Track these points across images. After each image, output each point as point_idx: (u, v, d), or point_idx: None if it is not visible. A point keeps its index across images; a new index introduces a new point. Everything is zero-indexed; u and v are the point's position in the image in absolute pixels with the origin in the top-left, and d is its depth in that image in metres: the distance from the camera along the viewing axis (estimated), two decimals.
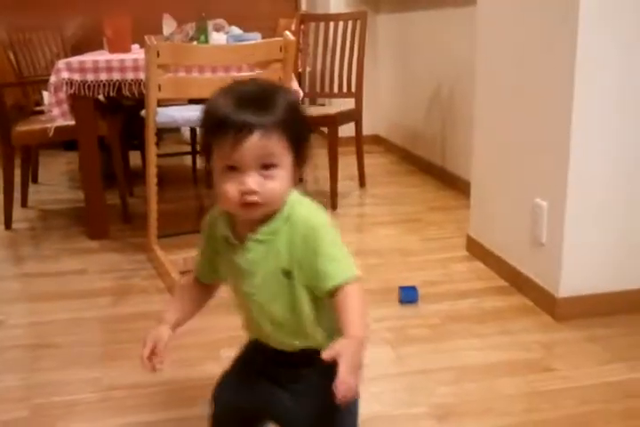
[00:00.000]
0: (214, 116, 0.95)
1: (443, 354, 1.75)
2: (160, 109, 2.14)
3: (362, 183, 3.46)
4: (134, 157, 3.48)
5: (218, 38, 2.97)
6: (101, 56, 2.65)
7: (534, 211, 2.01)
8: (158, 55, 2.03)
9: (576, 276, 1.91)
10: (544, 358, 1.72)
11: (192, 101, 2.77)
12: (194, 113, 2.27)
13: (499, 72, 2.23)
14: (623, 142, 1.86)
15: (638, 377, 1.62)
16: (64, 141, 4.00)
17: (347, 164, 3.48)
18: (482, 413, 1.50)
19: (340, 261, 0.98)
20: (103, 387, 1.65)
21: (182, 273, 2.21)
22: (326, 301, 1.00)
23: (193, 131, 3.64)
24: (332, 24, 3.47)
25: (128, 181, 3.21)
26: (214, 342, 1.84)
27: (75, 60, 2.53)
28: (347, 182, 3.42)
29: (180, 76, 2.21)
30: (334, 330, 1.00)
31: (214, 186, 0.99)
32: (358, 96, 3.37)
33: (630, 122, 1.85)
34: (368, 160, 3.59)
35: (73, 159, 3.99)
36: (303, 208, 1.01)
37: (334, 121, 3.12)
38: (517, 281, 2.13)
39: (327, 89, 3.47)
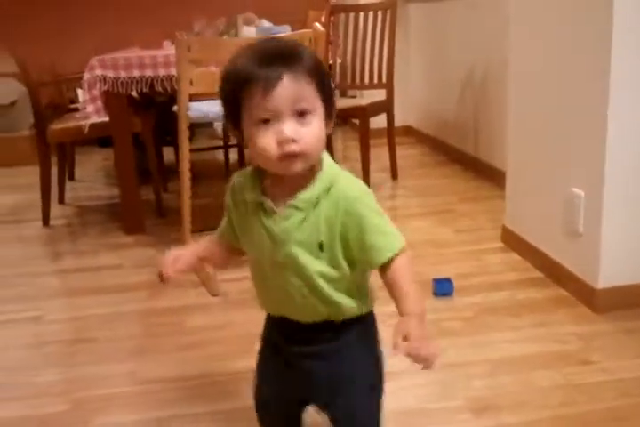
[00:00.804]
0: (239, 73, 0.93)
1: (477, 347, 1.73)
2: (192, 104, 2.15)
3: (394, 175, 3.44)
4: (168, 153, 3.51)
5: (248, 32, 2.97)
6: (133, 53, 2.67)
7: (571, 200, 1.97)
8: (189, 50, 2.05)
9: (615, 266, 1.87)
10: (581, 350, 1.69)
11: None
12: None
13: (532, 59, 2.19)
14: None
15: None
16: (99, 138, 4.06)
17: (378, 156, 3.47)
18: (518, 406, 1.48)
19: (388, 233, 0.97)
20: (139, 380, 1.67)
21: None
22: (371, 273, 1.02)
23: (225, 125, 3.67)
24: (361, 15, 3.44)
25: (162, 176, 3.25)
26: (248, 336, 1.84)
27: (108, 57, 2.56)
28: (379, 174, 3.40)
29: (211, 71, 2.21)
30: (364, 294, 1.05)
31: (248, 146, 0.97)
32: (389, 87, 3.35)
33: None
34: (400, 152, 3.57)
35: (108, 156, 4.04)
36: (343, 180, 0.98)
37: (365, 112, 3.10)
38: (554, 272, 2.09)
39: (358, 80, 3.45)
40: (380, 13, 3.37)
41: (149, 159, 2.98)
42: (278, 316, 1.08)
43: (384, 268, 0.97)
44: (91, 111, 2.62)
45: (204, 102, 2.33)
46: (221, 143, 3.88)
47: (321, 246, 0.97)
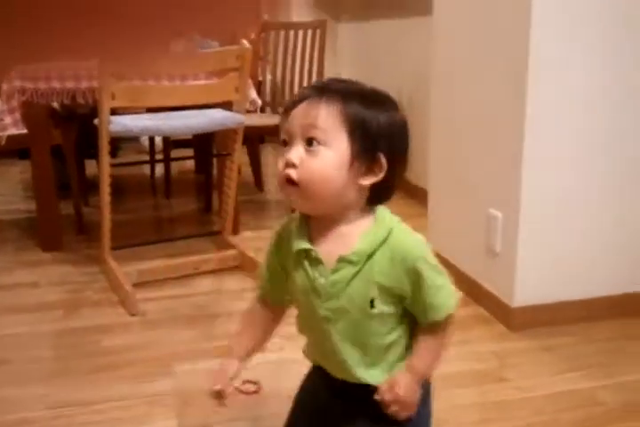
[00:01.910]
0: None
1: None
2: (114, 118, 2.10)
3: None
4: (92, 166, 3.42)
5: (174, 45, 2.94)
6: (55, 63, 2.60)
7: (489, 221, 2.02)
8: (112, 63, 2.00)
9: (530, 285, 1.93)
10: (498, 368, 1.73)
11: (151, 110, 2.74)
12: (150, 122, 2.25)
13: (453, 82, 2.24)
14: (576, 155, 1.88)
15: (590, 386, 1.63)
16: (19, 150, 3.92)
17: None
18: (435, 424, 1.48)
19: (447, 291, 0.92)
20: (52, 404, 1.60)
21: (135, 285, 2.17)
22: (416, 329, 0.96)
23: (152, 140, 3.60)
24: (292, 33, 3.46)
25: (83, 190, 3.15)
26: (166, 358, 1.80)
27: (28, 67, 2.48)
28: None
29: (134, 85, 2.17)
30: (397, 363, 0.96)
31: None
32: None
33: (582, 135, 1.87)
34: None
35: (27, 168, 3.90)
36: (401, 234, 0.91)
37: None
38: (473, 291, 2.13)
39: (288, 98, 3.46)
40: (309, 32, 3.40)
41: (69, 172, 2.90)
42: (323, 368, 1.03)
43: (428, 327, 0.93)
44: (8, 123, 2.53)
45: (127, 116, 2.28)
46: (148, 158, 3.80)
47: (372, 303, 0.90)
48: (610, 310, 1.97)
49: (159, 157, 3.64)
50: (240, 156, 2.51)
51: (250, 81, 2.46)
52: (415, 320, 0.95)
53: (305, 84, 3.39)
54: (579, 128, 1.86)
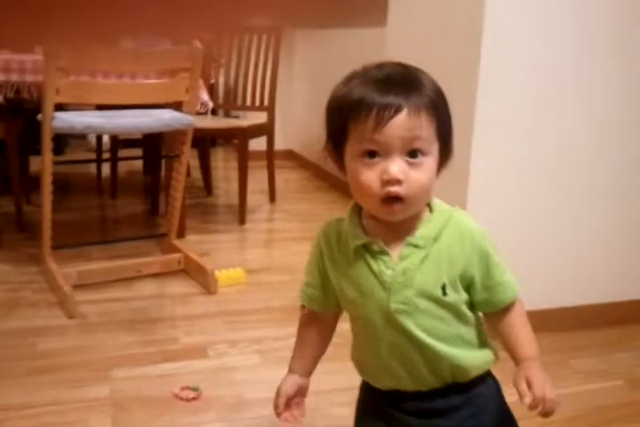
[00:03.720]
0: (351, 96, 0.83)
1: (342, 374, 1.71)
2: (58, 114, 2.04)
3: (272, 198, 3.43)
4: (38, 163, 3.32)
5: (125, 43, 2.88)
6: (1, 55, 2.51)
7: None
8: (58, 57, 1.94)
9: None
10: None
11: (101, 108, 2.67)
12: (94, 119, 2.19)
13: None
14: (521, 163, 1.91)
15: None
16: None
17: (258, 178, 3.45)
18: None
19: (509, 273, 0.92)
20: None
21: (75, 287, 2.10)
22: (488, 316, 0.94)
23: (99, 138, 3.52)
24: (246, 36, 3.44)
25: (25, 187, 3.05)
26: (104, 362, 1.75)
27: None
28: (257, 196, 3.38)
29: (81, 81, 2.11)
30: (485, 342, 0.94)
31: (348, 179, 0.85)
32: (270, 110, 3.35)
33: (528, 145, 1.90)
34: (280, 175, 3.57)
35: None
36: (461, 214, 0.91)
37: (245, 134, 3.08)
38: None
39: (240, 101, 3.43)
40: (264, 36, 3.38)
41: (11, 168, 2.80)
42: (389, 389, 0.95)
43: (507, 309, 0.91)
44: None
45: (72, 113, 2.21)
46: (94, 156, 3.72)
47: (444, 289, 0.87)
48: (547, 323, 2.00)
49: (107, 156, 3.56)
50: (189, 158, 2.47)
51: (201, 82, 2.42)
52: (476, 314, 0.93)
53: (258, 88, 3.36)
54: (526, 139, 1.89)
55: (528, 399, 0.83)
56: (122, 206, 3.37)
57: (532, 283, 1.94)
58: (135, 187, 3.68)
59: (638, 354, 1.89)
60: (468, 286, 0.89)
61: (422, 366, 0.90)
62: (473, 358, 0.91)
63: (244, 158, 3.06)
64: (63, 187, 2.41)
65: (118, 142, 3.39)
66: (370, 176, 0.81)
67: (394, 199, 0.81)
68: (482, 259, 0.89)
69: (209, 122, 3.08)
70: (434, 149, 0.83)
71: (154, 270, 2.34)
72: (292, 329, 1.95)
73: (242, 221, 3.02)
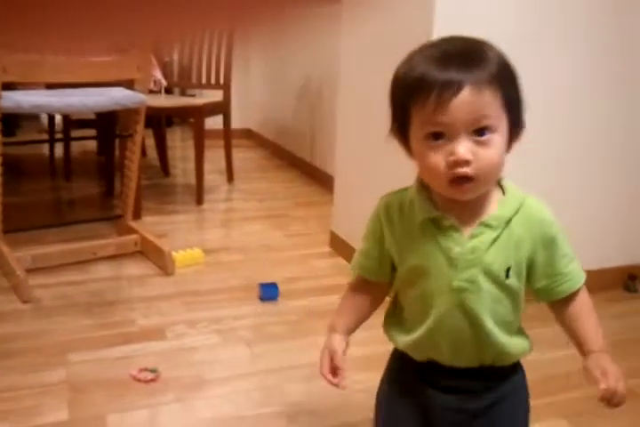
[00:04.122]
0: (412, 74, 0.80)
1: (299, 351, 1.74)
2: (4, 93, 1.98)
3: (230, 178, 3.40)
4: None
5: None
6: None
7: None
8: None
9: None
10: None
11: (52, 87, 2.59)
12: (43, 98, 2.13)
13: (361, 70, 2.25)
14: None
15: None
16: None
17: (216, 157, 3.41)
18: (335, 409, 1.50)
19: (576, 262, 0.91)
20: None
21: (29, 271, 2.06)
22: (552, 306, 0.93)
23: (51, 118, 3.43)
24: None
25: None
26: (60, 346, 1.72)
27: None
28: (214, 176, 3.35)
29: (28, 58, 2.05)
30: (523, 331, 0.95)
31: (416, 160, 0.84)
32: (227, 88, 3.31)
33: None
34: (238, 154, 3.54)
35: None
36: (533, 201, 0.89)
37: (200, 112, 3.04)
38: None
39: (195, 80, 3.38)
40: None
41: None
42: (425, 360, 0.95)
43: (569, 298, 0.91)
44: None
45: (19, 92, 2.15)
46: (47, 137, 3.63)
47: (508, 272, 0.87)
48: None
49: (60, 136, 3.48)
50: (143, 137, 2.43)
51: (153, 60, 2.38)
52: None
53: (213, 66, 3.32)
54: None
55: (604, 386, 0.85)
56: (76, 188, 3.31)
57: None
58: (89, 168, 3.61)
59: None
60: (529, 273, 0.89)
61: (469, 344, 0.90)
62: (516, 346, 0.92)
63: (199, 137, 3.03)
64: (14, 169, 2.35)
65: (71, 122, 3.32)
66: (437, 159, 0.80)
67: (463, 179, 0.80)
68: (548, 247, 0.88)
69: (163, 100, 3.03)
70: (502, 124, 0.81)
71: (110, 253, 2.31)
72: (246, 308, 1.98)
73: (199, 201, 2.99)
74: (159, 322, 1.86)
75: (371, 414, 1.47)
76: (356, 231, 2.34)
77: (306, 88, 3.64)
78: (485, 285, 0.86)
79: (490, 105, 0.78)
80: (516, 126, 0.83)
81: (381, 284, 0.99)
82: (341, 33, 2.35)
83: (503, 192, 0.89)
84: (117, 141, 2.82)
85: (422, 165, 0.83)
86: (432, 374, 0.95)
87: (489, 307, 0.87)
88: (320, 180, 3.36)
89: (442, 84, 0.76)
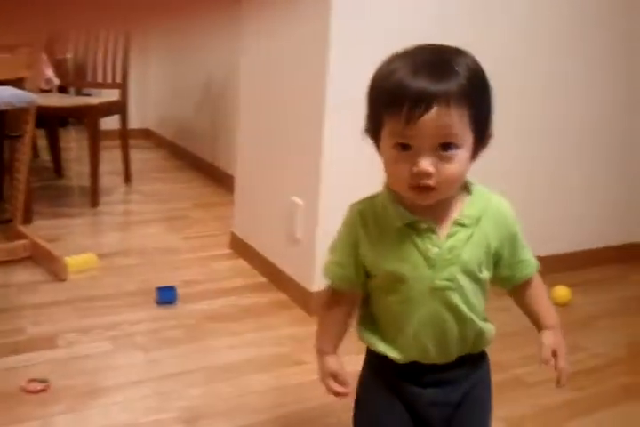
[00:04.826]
0: (387, 84, 0.84)
1: (196, 355, 1.73)
2: None
3: (127, 179, 3.31)
4: None
5: None
6: None
7: (291, 208, 2.06)
8: None
9: None
10: (295, 352, 1.77)
11: None
12: None
13: (261, 72, 2.25)
14: (372, 143, 1.97)
15: None
16: None
17: (113, 158, 3.32)
18: (231, 412, 1.50)
19: (529, 249, 0.99)
20: None
21: None
22: (511, 291, 1.01)
23: None
24: None
25: None
26: None
27: None
28: (111, 177, 3.26)
29: None
30: (487, 321, 1.00)
31: (383, 162, 0.89)
32: (123, 87, 3.22)
33: None
34: (136, 155, 3.46)
35: None
36: (495, 197, 0.95)
37: (95, 112, 2.94)
38: (276, 277, 2.17)
39: (91, 78, 3.27)
40: None
41: None
42: (407, 362, 0.97)
43: (528, 282, 0.99)
44: None
45: None
46: None
47: (480, 266, 0.93)
48: None
49: None
50: (34, 138, 2.34)
51: (45, 57, 2.29)
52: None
53: (109, 65, 3.22)
54: None
55: (551, 365, 0.96)
56: None
57: None
58: None
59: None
60: (495, 264, 0.96)
61: (454, 339, 0.95)
62: (489, 331, 0.99)
63: (94, 137, 2.93)
64: None
65: None
66: (402, 168, 0.84)
67: (426, 188, 0.84)
68: (511, 240, 0.95)
69: (55, 100, 2.92)
70: (467, 139, 0.85)
71: None
72: (142, 313, 1.94)
73: (94, 203, 2.90)
74: (50, 330, 1.80)
75: (267, 415, 1.49)
76: (256, 232, 2.36)
77: (207, 87, 3.60)
78: (464, 281, 0.92)
79: (457, 123, 0.83)
80: (482, 138, 0.88)
81: (355, 294, 1.01)
82: (242, 33, 2.35)
83: (469, 192, 0.94)
84: (6, 142, 2.69)
85: (388, 170, 0.88)
86: (415, 371, 0.98)
87: (468, 300, 0.93)
88: (221, 180, 3.34)
89: (413, 101, 0.80)
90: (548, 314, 1.01)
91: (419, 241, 0.91)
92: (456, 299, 0.92)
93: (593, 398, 1.63)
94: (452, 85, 0.81)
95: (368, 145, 1.96)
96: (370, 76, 1.87)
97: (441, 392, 0.98)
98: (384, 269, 0.93)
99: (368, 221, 0.94)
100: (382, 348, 0.98)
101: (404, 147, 0.84)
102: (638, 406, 1.62)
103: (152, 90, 4.31)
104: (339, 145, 1.91)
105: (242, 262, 2.36)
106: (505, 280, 0.99)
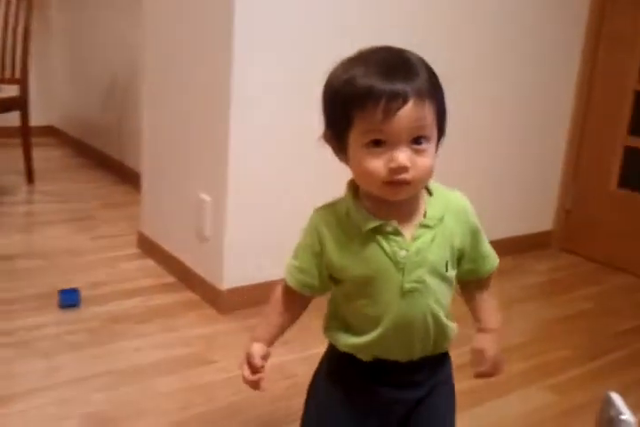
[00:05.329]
0: (356, 86, 0.83)
1: (100, 359, 1.67)
2: None
3: (29, 179, 3.17)
4: None
5: None
6: None
7: (199, 206, 2.03)
8: None
9: (238, 268, 1.98)
10: (204, 351, 1.74)
11: None
12: None
13: (164, 68, 2.20)
14: (282, 140, 1.96)
15: (292, 358, 1.71)
16: None
17: (14, 157, 3.19)
18: (137, 416, 1.46)
19: (490, 247, 1.01)
20: None
21: None
22: (467, 285, 1.02)
23: None
24: None
25: None
26: None
27: None
28: (12, 177, 3.12)
29: None
30: (451, 319, 0.99)
31: (351, 165, 0.88)
32: (23, 83, 3.09)
33: (286, 120, 1.95)
34: (39, 153, 3.33)
35: None
36: (452, 193, 0.97)
37: None
38: (185, 277, 2.13)
39: None
40: (13, 2, 3.09)
41: None
42: (371, 359, 0.97)
43: (483, 279, 1.01)
44: None
45: None
46: None
47: (446, 265, 0.94)
48: None
49: None
50: None
51: None
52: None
53: (8, 60, 3.08)
54: (282, 115, 1.94)
55: (480, 369, 1.00)
56: None
57: None
58: None
59: None
60: (459, 260, 0.97)
61: (420, 338, 0.95)
62: (452, 329, 0.99)
63: None
64: None
65: None
66: (376, 164, 0.84)
67: (401, 183, 0.85)
68: (473, 235, 0.97)
69: None
70: (434, 133, 0.88)
71: None
72: (44, 318, 1.87)
73: None
74: None
75: (175, 417, 1.46)
76: (164, 231, 2.30)
77: (113, 83, 3.50)
78: (431, 281, 0.92)
79: (428, 116, 0.85)
80: (440, 134, 0.91)
81: (312, 297, 1.01)
82: (144, 27, 2.29)
83: (430, 192, 0.95)
84: None
85: (360, 169, 0.87)
86: (379, 371, 0.98)
87: (438, 299, 0.94)
88: (129, 179, 3.24)
89: (389, 96, 0.81)
90: (493, 316, 1.03)
91: (386, 245, 0.91)
92: (426, 299, 0.93)
93: (494, 385, 1.69)
94: (420, 81, 0.84)
95: (274, 140, 1.97)
96: (277, 66, 1.86)
97: (404, 392, 0.99)
98: (353, 275, 0.93)
99: (333, 226, 0.94)
100: (345, 344, 0.98)
101: (378, 143, 0.84)
102: (533, 390, 1.69)
103: (56, 86, 4.16)
104: (245, 140, 1.90)
105: (150, 262, 2.31)
106: (467, 274, 1.00)
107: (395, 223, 0.90)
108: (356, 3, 1.99)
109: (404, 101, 0.82)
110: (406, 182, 0.85)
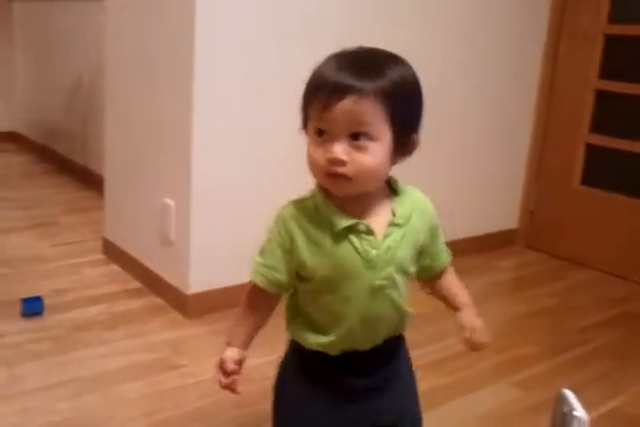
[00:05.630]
0: (314, 75, 0.89)
1: (63, 367, 1.65)
2: None
3: None
4: None
5: None
6: None
7: (163, 210, 2.01)
8: None
9: (204, 272, 1.97)
10: (170, 356, 1.73)
11: None
12: None
13: (127, 70, 2.18)
14: (246, 143, 1.95)
15: (255, 364, 1.70)
16: None
17: None
18: (103, 424, 1.44)
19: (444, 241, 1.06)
20: None
21: None
22: (428, 278, 1.07)
23: None
24: None
25: None
26: None
27: None
28: None
29: None
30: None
31: (307, 154, 0.91)
32: None
33: (249, 124, 1.94)
34: (1, 159, 3.28)
35: None
36: (418, 193, 1.00)
37: None
38: (151, 282, 2.11)
39: None
40: None
41: None
42: (339, 353, 0.98)
43: (444, 270, 1.05)
44: None
45: None
46: None
47: (411, 261, 0.97)
48: None
49: None
50: None
51: None
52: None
53: None
54: (248, 119, 1.93)
55: (480, 340, 1.03)
56: None
57: None
58: None
59: None
60: (418, 255, 1.00)
61: (385, 326, 0.99)
62: (412, 313, 1.02)
63: None
64: None
65: None
66: (318, 154, 0.88)
67: (340, 176, 0.87)
68: (433, 232, 1.01)
69: None
70: (383, 134, 0.87)
71: None
72: (6, 327, 1.83)
73: None
74: None
75: (140, 423, 1.45)
76: (129, 236, 2.28)
77: (77, 87, 3.45)
78: (398, 277, 0.96)
79: (371, 114, 0.85)
80: (403, 141, 0.90)
81: (279, 295, 1.01)
82: (106, 30, 2.26)
83: (397, 191, 0.97)
84: None
85: (309, 157, 0.90)
86: (347, 362, 0.99)
87: (402, 293, 0.97)
88: (94, 184, 3.20)
89: (331, 87, 0.85)
90: (462, 294, 1.07)
91: (357, 243, 0.92)
92: (393, 294, 0.96)
93: (463, 381, 1.70)
94: (372, 83, 0.85)
95: (238, 143, 1.96)
96: (239, 69, 1.86)
97: (374, 377, 1.01)
98: (320, 271, 0.93)
99: (303, 223, 0.94)
100: (312, 342, 0.98)
101: (321, 132, 0.88)
102: (501, 385, 1.71)
103: (18, 91, 4.10)
104: (208, 144, 1.89)
105: (115, 268, 2.28)
106: (426, 269, 1.04)
107: (366, 222, 0.92)
108: (319, 7, 1.99)
109: (344, 94, 0.84)
110: (345, 177, 0.87)
